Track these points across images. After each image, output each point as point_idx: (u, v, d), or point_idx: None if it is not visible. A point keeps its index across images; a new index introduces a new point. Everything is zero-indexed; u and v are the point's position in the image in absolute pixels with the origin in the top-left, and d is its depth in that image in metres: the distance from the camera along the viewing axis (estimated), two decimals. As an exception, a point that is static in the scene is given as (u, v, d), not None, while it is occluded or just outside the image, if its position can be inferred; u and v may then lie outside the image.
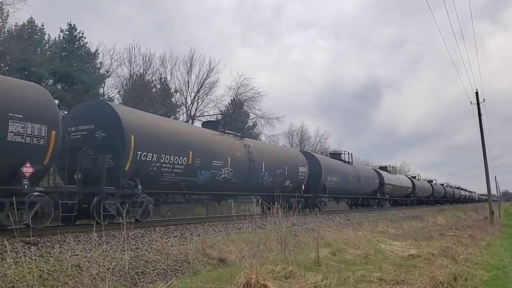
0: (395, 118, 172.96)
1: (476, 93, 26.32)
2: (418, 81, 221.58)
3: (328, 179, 24.37)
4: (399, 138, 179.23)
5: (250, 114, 40.00)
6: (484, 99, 26.54)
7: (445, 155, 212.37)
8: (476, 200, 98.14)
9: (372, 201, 34.61)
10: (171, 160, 13.01)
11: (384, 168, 40.71)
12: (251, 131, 38.99)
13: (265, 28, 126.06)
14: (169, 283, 5.70)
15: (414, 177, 50.51)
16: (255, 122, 40.68)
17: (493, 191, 63.62)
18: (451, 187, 76.48)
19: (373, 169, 37.29)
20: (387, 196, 36.33)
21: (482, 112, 25.92)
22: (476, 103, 25.99)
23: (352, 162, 31.41)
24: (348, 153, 31.20)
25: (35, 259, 6.93)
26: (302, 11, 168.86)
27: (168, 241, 9.83)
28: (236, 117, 24.96)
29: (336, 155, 30.66)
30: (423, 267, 7.91)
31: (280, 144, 43.90)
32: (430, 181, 57.48)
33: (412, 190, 44.26)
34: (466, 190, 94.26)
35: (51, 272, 6.27)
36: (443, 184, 67.95)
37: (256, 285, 5.35)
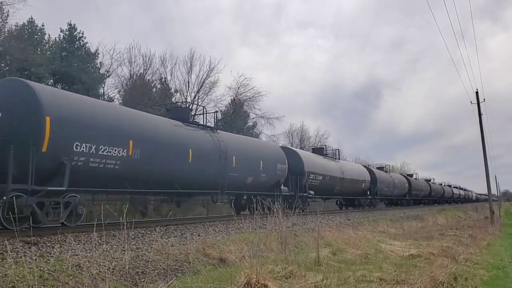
0: (395, 118, 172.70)
1: (476, 92, 26.34)
2: (418, 81, 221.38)
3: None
4: (399, 138, 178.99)
5: (250, 114, 40.02)
6: (484, 99, 26.54)
7: (445, 155, 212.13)
8: (472, 200, 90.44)
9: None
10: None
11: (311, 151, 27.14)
12: (251, 131, 39.00)
13: (265, 28, 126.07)
14: (169, 283, 5.70)
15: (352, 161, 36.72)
16: (255, 122, 40.71)
17: (493, 190, 62.81)
18: (440, 184, 66.22)
19: (282, 147, 23.21)
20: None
21: (482, 112, 25.96)
22: (476, 102, 25.99)
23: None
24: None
25: (36, 259, 6.93)
26: (302, 11, 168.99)
27: (169, 241, 9.84)
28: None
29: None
30: (424, 267, 7.91)
31: (281, 144, 43.55)
32: (374, 168, 37.93)
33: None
34: (462, 189, 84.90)
35: (51, 272, 6.27)
36: (406, 176, 46.75)
37: (256, 285, 5.35)
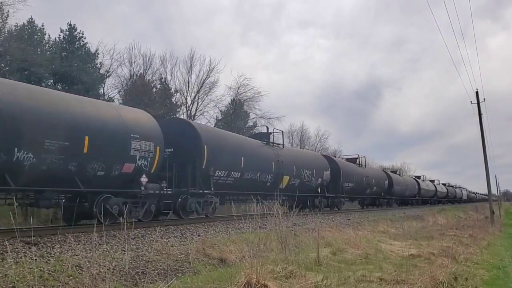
0: (395, 117, 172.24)
1: (476, 92, 26.32)
2: (419, 80, 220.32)
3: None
4: (399, 138, 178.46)
5: (250, 114, 40.03)
6: (484, 99, 26.49)
7: (445, 155, 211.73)
8: (464, 200, 76.96)
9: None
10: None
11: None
12: (251, 131, 38.99)
13: (265, 27, 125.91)
14: (169, 283, 5.70)
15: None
16: (255, 122, 40.70)
17: (494, 190, 62.20)
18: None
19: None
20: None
21: (482, 111, 25.94)
22: (476, 102, 25.98)
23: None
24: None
25: (36, 259, 6.93)
26: (302, 10, 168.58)
27: (169, 241, 9.84)
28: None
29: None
30: (424, 266, 7.91)
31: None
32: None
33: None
34: (454, 187, 74.59)
35: (51, 272, 6.28)
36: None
37: (256, 285, 5.35)
